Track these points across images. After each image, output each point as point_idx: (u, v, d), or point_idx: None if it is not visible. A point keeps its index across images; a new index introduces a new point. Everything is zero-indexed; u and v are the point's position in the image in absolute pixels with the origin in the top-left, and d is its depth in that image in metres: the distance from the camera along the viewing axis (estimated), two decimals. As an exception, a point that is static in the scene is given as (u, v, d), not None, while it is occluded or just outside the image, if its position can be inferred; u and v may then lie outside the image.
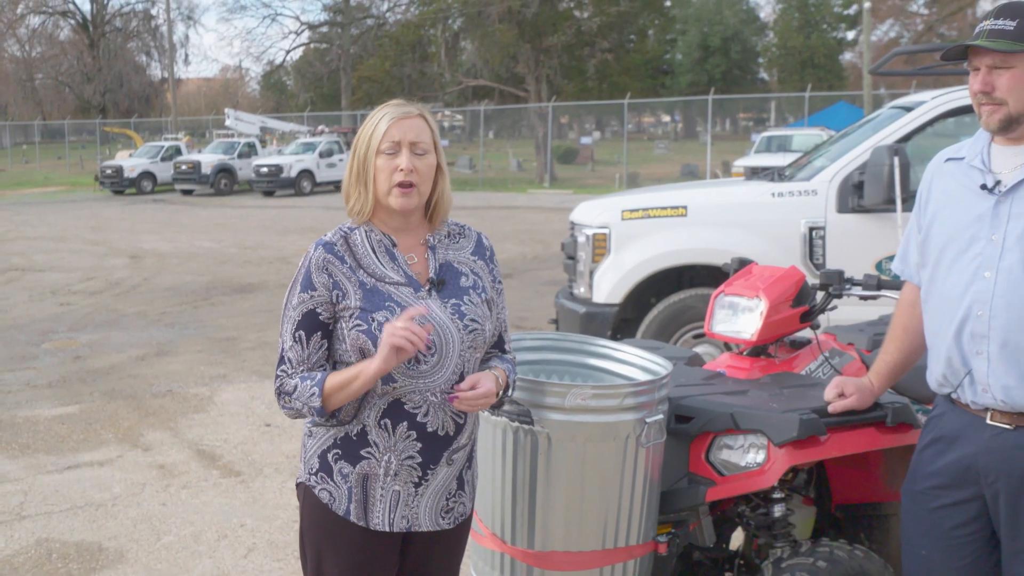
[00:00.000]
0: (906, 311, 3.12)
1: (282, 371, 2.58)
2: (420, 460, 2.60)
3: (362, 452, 2.58)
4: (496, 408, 2.70)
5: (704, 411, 3.26)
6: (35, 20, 67.27)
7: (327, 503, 2.61)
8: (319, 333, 2.56)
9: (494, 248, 2.84)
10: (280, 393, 2.58)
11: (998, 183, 2.73)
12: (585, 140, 47.91)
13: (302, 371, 2.56)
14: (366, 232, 2.63)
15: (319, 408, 2.51)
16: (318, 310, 2.55)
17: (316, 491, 2.62)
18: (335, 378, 2.51)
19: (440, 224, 2.74)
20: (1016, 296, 2.66)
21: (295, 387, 2.54)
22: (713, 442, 3.28)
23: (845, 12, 68.40)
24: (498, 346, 2.81)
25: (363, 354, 2.53)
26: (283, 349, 2.59)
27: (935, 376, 2.91)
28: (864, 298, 3.88)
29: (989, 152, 2.81)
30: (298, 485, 2.73)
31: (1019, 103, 2.67)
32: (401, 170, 2.53)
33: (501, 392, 2.69)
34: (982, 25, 2.72)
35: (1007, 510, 2.75)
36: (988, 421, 2.76)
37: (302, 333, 2.56)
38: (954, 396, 2.86)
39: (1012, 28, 2.63)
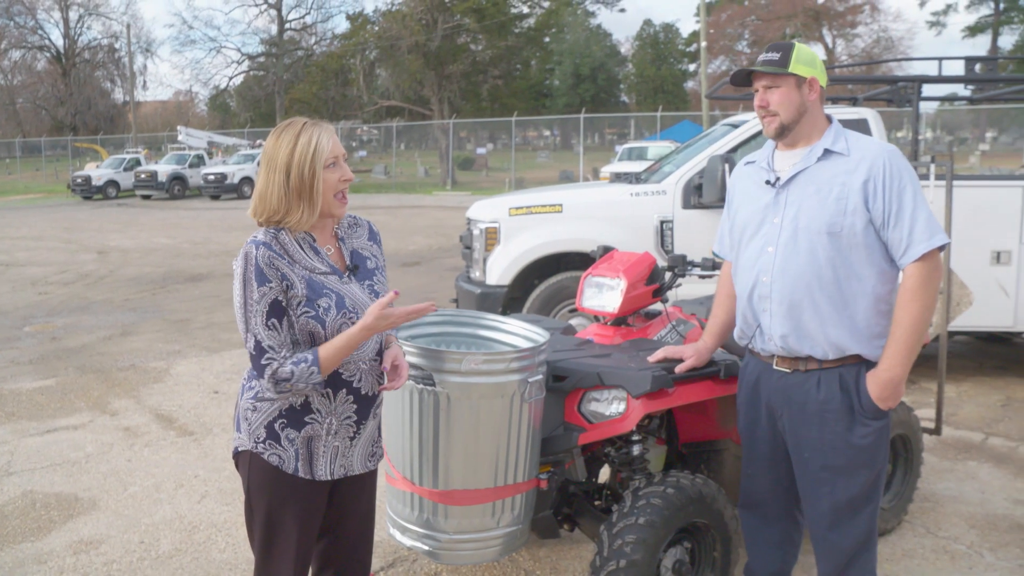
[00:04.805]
0: (726, 280, 3.23)
1: (268, 359, 2.37)
2: (355, 419, 2.56)
3: (306, 419, 2.49)
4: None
5: (576, 371, 3.28)
6: (16, 54, 64.99)
7: (277, 465, 2.48)
8: (286, 317, 2.40)
9: (381, 234, 2.78)
10: (277, 382, 2.37)
11: (778, 179, 2.88)
12: (480, 151, 47.74)
13: (285, 354, 2.38)
14: (289, 232, 2.50)
15: (319, 381, 2.41)
16: (279, 298, 2.39)
17: (265, 456, 2.48)
18: (329, 354, 2.39)
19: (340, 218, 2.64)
20: (789, 265, 2.80)
21: (291, 372, 2.36)
22: (583, 396, 3.30)
23: (687, 49, 70.03)
24: None
25: (313, 337, 2.42)
26: (259, 341, 2.37)
27: (737, 330, 3.05)
28: (702, 276, 3.98)
29: (773, 157, 2.97)
30: (241, 453, 2.55)
31: (787, 114, 2.84)
32: (345, 180, 2.46)
33: None
34: (759, 57, 2.90)
35: (791, 438, 2.90)
36: (774, 367, 2.90)
37: (274, 320, 2.38)
38: (751, 347, 2.98)
39: (777, 58, 2.82)
